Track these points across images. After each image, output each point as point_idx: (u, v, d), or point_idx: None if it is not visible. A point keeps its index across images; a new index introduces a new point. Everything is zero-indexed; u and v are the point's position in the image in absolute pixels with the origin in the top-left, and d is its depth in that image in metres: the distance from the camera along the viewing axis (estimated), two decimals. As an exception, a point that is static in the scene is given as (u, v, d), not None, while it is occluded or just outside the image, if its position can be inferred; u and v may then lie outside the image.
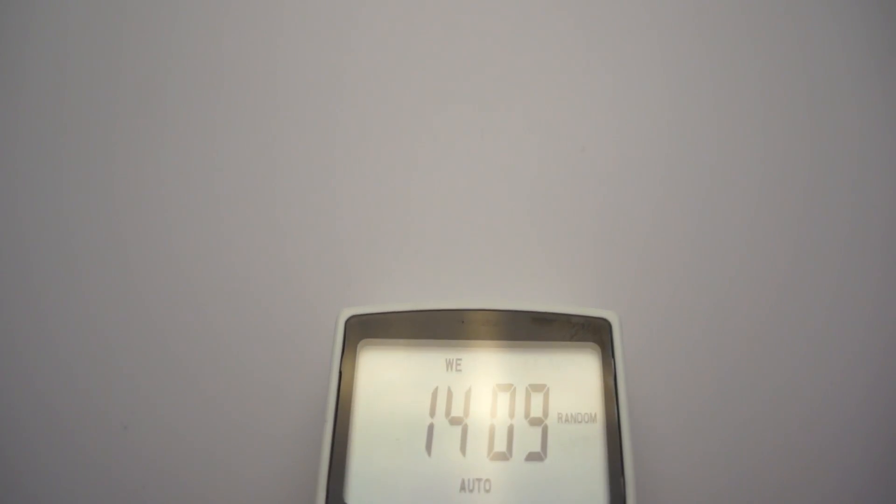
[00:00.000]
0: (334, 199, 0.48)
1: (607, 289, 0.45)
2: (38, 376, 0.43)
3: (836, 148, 0.49)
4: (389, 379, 0.37)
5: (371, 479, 0.35)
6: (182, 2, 0.53)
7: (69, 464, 0.42)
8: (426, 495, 0.35)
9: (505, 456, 0.36)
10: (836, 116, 0.50)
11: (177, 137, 0.49)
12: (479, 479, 0.35)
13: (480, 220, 0.47)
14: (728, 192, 0.48)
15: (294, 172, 0.49)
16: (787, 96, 0.50)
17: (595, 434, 0.36)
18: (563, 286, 0.45)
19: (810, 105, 0.50)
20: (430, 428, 0.36)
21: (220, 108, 0.50)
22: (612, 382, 0.37)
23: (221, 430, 0.42)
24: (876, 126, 0.49)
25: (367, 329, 0.38)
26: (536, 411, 0.37)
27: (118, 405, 0.43)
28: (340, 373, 0.37)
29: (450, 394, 0.37)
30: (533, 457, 0.36)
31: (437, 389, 0.37)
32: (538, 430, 0.36)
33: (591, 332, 0.38)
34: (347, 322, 0.38)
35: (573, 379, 0.37)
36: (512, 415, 0.37)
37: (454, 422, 0.36)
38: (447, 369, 0.37)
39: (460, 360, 0.38)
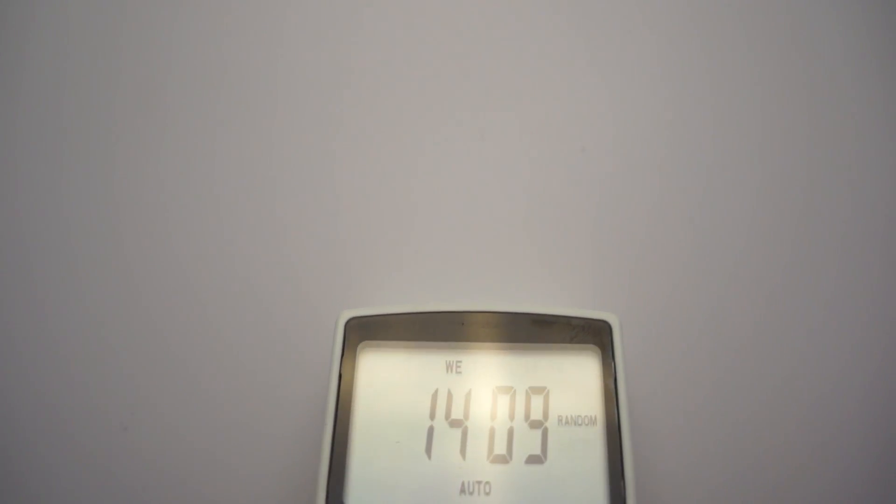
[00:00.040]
0: (335, 200, 0.48)
1: (608, 291, 0.45)
2: (39, 377, 0.43)
3: (835, 150, 0.49)
4: (389, 381, 0.37)
5: (371, 482, 0.35)
6: (183, 1, 0.53)
7: (70, 465, 0.42)
8: (426, 498, 0.35)
9: (505, 458, 0.36)
10: (835, 118, 0.49)
11: (177, 138, 0.49)
12: (479, 482, 0.35)
13: (481, 221, 0.47)
14: (728, 192, 0.48)
15: (295, 174, 0.48)
16: (787, 97, 0.50)
17: (595, 436, 0.36)
18: (564, 288, 0.45)
19: (810, 107, 0.50)
20: (430, 430, 0.36)
21: (221, 109, 0.50)
22: (613, 384, 0.37)
23: (222, 431, 0.42)
24: (874, 127, 0.49)
25: (366, 331, 0.38)
26: (536, 414, 0.36)
27: (118, 406, 0.43)
28: (340, 375, 0.37)
29: (450, 396, 0.37)
30: (533, 459, 0.36)
31: (437, 392, 0.37)
32: (538, 432, 0.36)
33: (591, 334, 0.38)
34: (347, 324, 0.38)
35: (573, 381, 0.37)
36: (512, 417, 0.36)
37: (454, 424, 0.36)
38: (447, 371, 0.37)
39: (460, 362, 0.38)
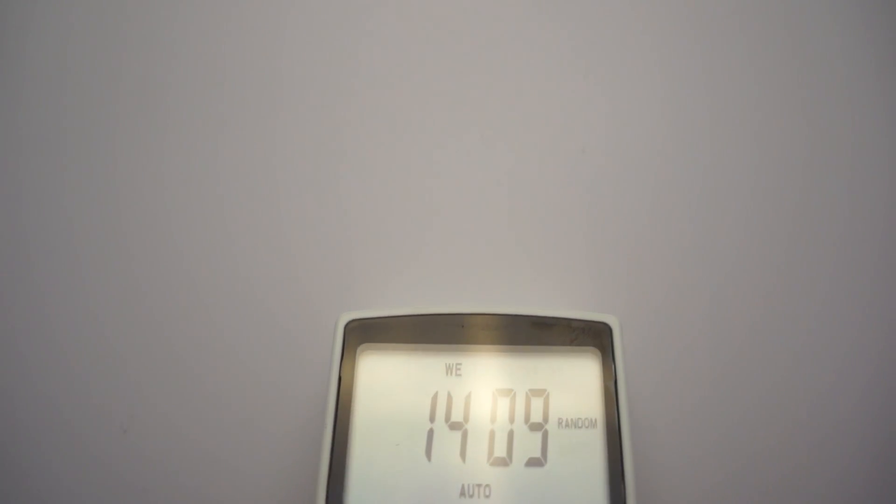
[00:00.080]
0: (335, 202, 0.48)
1: (608, 292, 0.45)
2: (39, 377, 0.43)
3: (833, 152, 0.49)
4: (389, 383, 0.37)
5: (371, 484, 0.35)
6: (185, 1, 0.53)
7: (69, 466, 0.42)
8: (426, 500, 0.35)
9: (505, 461, 0.36)
10: (833, 120, 0.49)
11: (179, 139, 0.49)
12: (479, 485, 0.35)
13: (481, 223, 0.47)
14: (727, 193, 0.48)
15: (296, 175, 0.48)
16: (787, 99, 0.50)
17: (595, 439, 0.36)
18: (564, 289, 0.45)
19: (809, 109, 0.50)
20: (430, 433, 0.36)
21: (222, 110, 0.50)
22: (613, 387, 0.37)
23: (222, 432, 0.42)
24: (871, 127, 0.49)
25: (366, 333, 0.38)
26: (536, 416, 0.36)
27: (118, 408, 0.43)
28: (340, 377, 0.37)
29: (450, 398, 0.37)
30: (533, 462, 0.35)
31: (436, 394, 0.37)
32: (538, 435, 0.36)
33: (591, 336, 0.38)
34: (347, 326, 0.38)
35: (573, 383, 0.37)
36: (512, 420, 0.36)
37: (454, 427, 0.36)
38: (447, 374, 0.37)
39: (460, 364, 0.38)
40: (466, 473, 0.35)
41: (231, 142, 0.49)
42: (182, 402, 0.43)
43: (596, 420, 0.36)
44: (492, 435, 0.36)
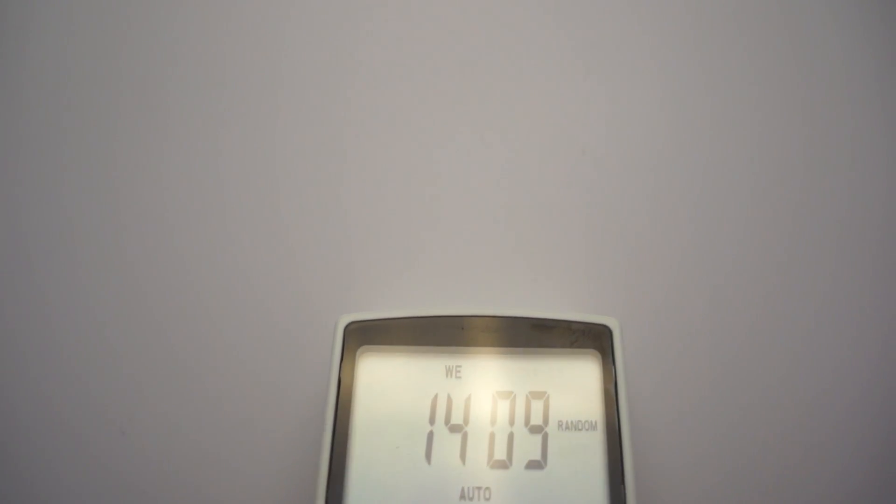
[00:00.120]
0: (335, 204, 0.48)
1: (609, 294, 0.45)
2: (38, 377, 0.43)
3: (832, 153, 0.49)
4: (389, 385, 0.37)
5: (370, 487, 0.35)
6: (185, 1, 0.53)
7: (69, 467, 0.42)
8: (426, 503, 0.35)
9: (505, 464, 0.35)
10: (832, 122, 0.49)
11: (180, 140, 0.49)
12: (478, 488, 0.35)
13: (481, 224, 0.47)
14: (728, 195, 0.48)
15: (296, 177, 0.48)
16: (787, 101, 0.50)
17: (595, 442, 0.36)
18: (564, 291, 0.45)
19: (809, 110, 0.50)
20: (430, 435, 0.36)
21: (222, 111, 0.50)
22: (613, 389, 0.37)
23: (222, 434, 0.42)
24: (870, 128, 0.49)
25: (366, 335, 0.38)
26: (536, 419, 0.36)
27: (118, 409, 0.43)
28: (339, 379, 0.37)
29: (449, 401, 0.37)
30: (533, 465, 0.35)
31: (436, 396, 0.37)
32: (538, 437, 0.36)
33: (591, 338, 0.38)
34: (346, 328, 0.38)
35: (573, 386, 0.37)
36: (512, 422, 0.36)
37: (454, 429, 0.36)
38: (447, 376, 0.37)
39: (460, 366, 0.37)
40: (466, 476, 0.35)
41: (231, 142, 0.49)
42: (181, 404, 0.43)
43: (596, 422, 0.36)
44: (492, 437, 0.36)
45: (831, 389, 0.43)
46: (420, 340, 0.38)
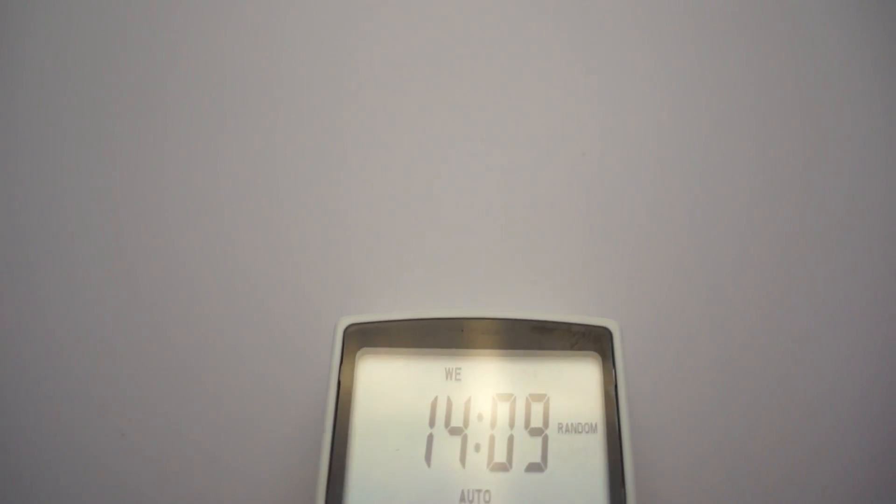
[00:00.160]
0: (335, 206, 0.48)
1: (609, 296, 0.45)
2: (38, 378, 0.43)
3: (832, 155, 0.49)
4: (388, 388, 0.37)
5: (370, 490, 0.35)
6: (185, 1, 0.53)
7: (68, 469, 0.42)
8: (426, 506, 0.35)
9: (505, 467, 0.35)
10: (832, 123, 0.49)
11: (180, 142, 0.49)
12: (478, 490, 0.35)
13: (481, 226, 0.47)
14: (728, 197, 0.48)
15: (296, 179, 0.48)
16: (787, 102, 0.50)
17: (596, 444, 0.36)
18: (566, 294, 0.45)
19: (811, 114, 0.50)
20: (430, 438, 0.36)
21: (223, 113, 0.50)
22: (613, 392, 0.37)
23: (221, 436, 0.42)
24: (869, 128, 0.49)
25: (366, 338, 0.38)
26: (536, 421, 0.36)
27: (117, 411, 0.43)
28: (339, 382, 0.37)
29: (449, 403, 0.37)
30: (533, 467, 0.35)
31: (436, 399, 0.37)
32: (538, 440, 0.36)
33: (591, 340, 0.38)
34: (346, 330, 0.38)
35: (573, 388, 0.37)
36: (512, 425, 0.36)
37: (454, 432, 0.36)
38: (447, 378, 0.37)
39: (460, 369, 0.37)
40: (466, 479, 0.35)
41: (232, 143, 0.49)
42: (181, 405, 0.43)
43: (596, 425, 0.36)
44: (492, 440, 0.36)
45: (831, 391, 0.43)
46: (420, 343, 0.38)
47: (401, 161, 0.49)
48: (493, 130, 0.49)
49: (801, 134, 0.49)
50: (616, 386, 0.37)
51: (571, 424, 0.36)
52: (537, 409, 0.36)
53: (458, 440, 0.36)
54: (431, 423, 0.36)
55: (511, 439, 0.36)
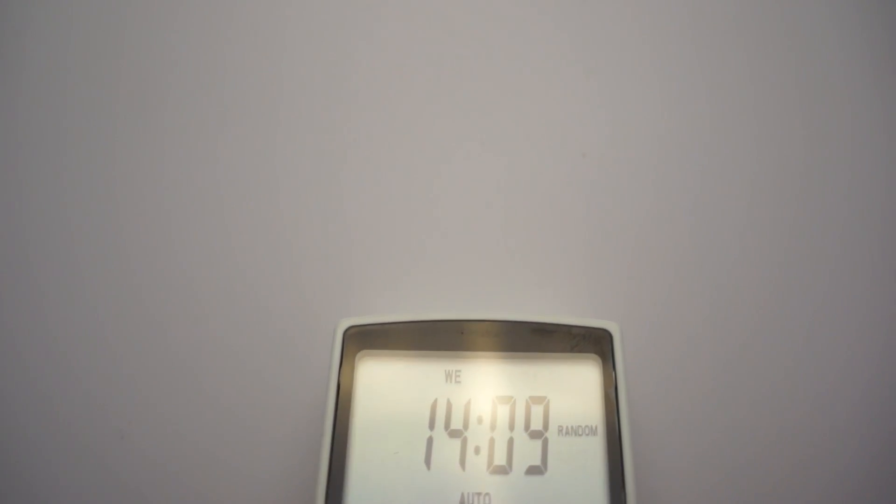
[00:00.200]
0: (335, 208, 0.48)
1: (609, 298, 0.45)
2: (37, 379, 0.43)
3: (832, 156, 0.49)
4: (388, 390, 0.37)
5: (369, 493, 0.35)
6: (186, 3, 0.53)
7: (67, 471, 0.42)
8: (425, 509, 0.35)
9: (505, 469, 0.35)
10: (832, 124, 0.49)
11: (180, 143, 0.49)
12: (478, 493, 0.35)
13: (481, 228, 0.47)
14: (729, 199, 0.48)
15: (296, 181, 0.48)
16: (788, 103, 0.50)
17: (596, 447, 0.36)
18: (566, 296, 0.45)
19: (811, 113, 0.50)
20: (430, 440, 0.36)
21: (223, 114, 0.50)
22: (613, 394, 0.36)
23: (221, 438, 0.42)
24: (870, 129, 0.49)
25: (365, 340, 0.38)
26: (536, 424, 0.36)
27: (116, 413, 0.43)
28: (339, 384, 0.37)
29: (449, 406, 0.37)
30: (533, 470, 0.35)
31: (436, 401, 0.37)
32: (538, 443, 0.36)
33: (591, 343, 0.38)
34: (346, 333, 0.38)
35: (574, 391, 0.37)
36: (512, 427, 0.36)
37: (453, 434, 0.36)
38: (446, 381, 0.37)
39: (459, 371, 0.37)
40: (466, 482, 0.35)
41: (232, 144, 0.49)
42: (180, 407, 0.43)
43: (596, 427, 0.36)
44: (491, 442, 0.36)
45: (832, 393, 0.43)
46: (420, 345, 0.38)
47: (401, 162, 0.49)
48: (494, 131, 0.49)
49: (801, 134, 0.49)
50: (616, 388, 0.36)
51: (571, 427, 0.36)
52: (537, 411, 0.36)
53: (457, 443, 0.36)
54: (431, 426, 0.36)
55: (511, 442, 0.36)
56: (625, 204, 0.47)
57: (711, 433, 0.42)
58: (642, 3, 0.53)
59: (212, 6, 0.53)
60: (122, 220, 0.47)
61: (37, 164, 0.49)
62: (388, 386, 0.37)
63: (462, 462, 0.35)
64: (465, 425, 0.36)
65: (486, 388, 0.37)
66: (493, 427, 0.36)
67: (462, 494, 0.35)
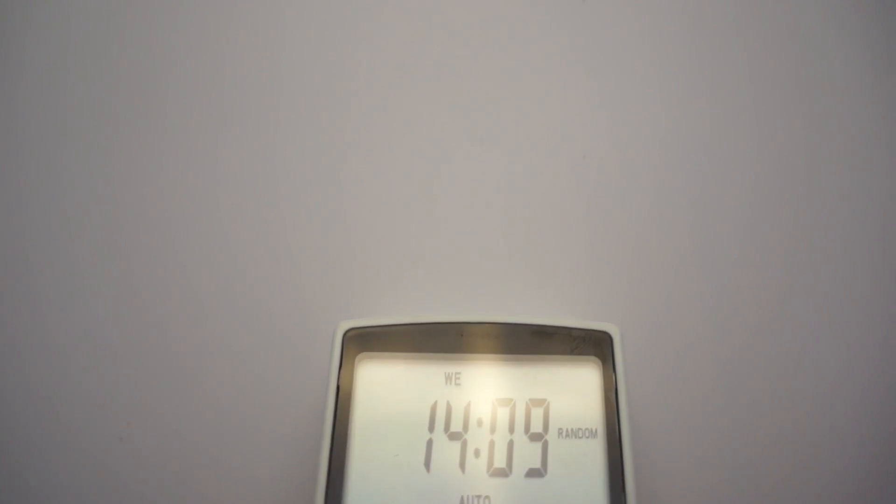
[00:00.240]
0: (335, 210, 0.48)
1: (609, 301, 0.45)
2: (36, 379, 0.43)
3: (832, 157, 0.49)
4: (388, 392, 0.37)
5: (369, 495, 0.35)
6: (186, 4, 0.53)
7: (67, 472, 0.42)
8: (425, 512, 0.35)
9: (505, 472, 0.35)
10: (833, 125, 0.49)
11: (180, 144, 0.49)
12: (478, 496, 0.35)
13: (481, 230, 0.47)
14: (729, 200, 0.48)
15: (296, 182, 0.48)
16: (788, 104, 0.50)
17: (596, 449, 0.36)
18: (566, 298, 0.45)
19: (811, 114, 0.50)
20: (429, 443, 0.36)
21: (223, 114, 0.50)
22: (613, 396, 0.36)
23: (221, 439, 0.42)
24: (870, 130, 0.49)
25: (365, 342, 0.38)
26: (536, 426, 0.36)
27: (116, 415, 0.43)
28: (338, 386, 0.37)
29: (449, 408, 0.37)
30: (533, 473, 0.35)
31: (436, 404, 0.37)
32: (538, 445, 0.36)
33: (591, 345, 0.37)
34: (345, 335, 0.38)
35: (574, 393, 0.37)
36: (512, 430, 0.36)
37: (453, 437, 0.36)
38: (446, 383, 0.37)
39: (459, 373, 0.37)
40: (466, 484, 0.35)
41: (232, 145, 0.49)
42: (180, 409, 0.43)
43: (596, 430, 0.36)
44: (491, 445, 0.36)
45: (831, 395, 0.43)
46: (419, 347, 0.38)
47: (401, 163, 0.49)
48: (494, 132, 0.49)
49: (802, 135, 0.49)
50: (616, 391, 0.36)
51: (571, 429, 0.36)
52: (537, 413, 0.36)
53: (457, 445, 0.36)
54: (431, 428, 0.36)
55: (511, 444, 0.36)
56: (625, 205, 0.47)
57: (711, 434, 0.42)
58: (642, 4, 0.53)
59: (212, 6, 0.53)
60: (122, 220, 0.47)
61: (37, 164, 0.49)
62: (387, 388, 0.37)
63: (462, 464, 0.35)
64: (465, 427, 0.36)
65: (486, 390, 0.37)
66: (492, 429, 0.36)
67: (462, 497, 0.35)
